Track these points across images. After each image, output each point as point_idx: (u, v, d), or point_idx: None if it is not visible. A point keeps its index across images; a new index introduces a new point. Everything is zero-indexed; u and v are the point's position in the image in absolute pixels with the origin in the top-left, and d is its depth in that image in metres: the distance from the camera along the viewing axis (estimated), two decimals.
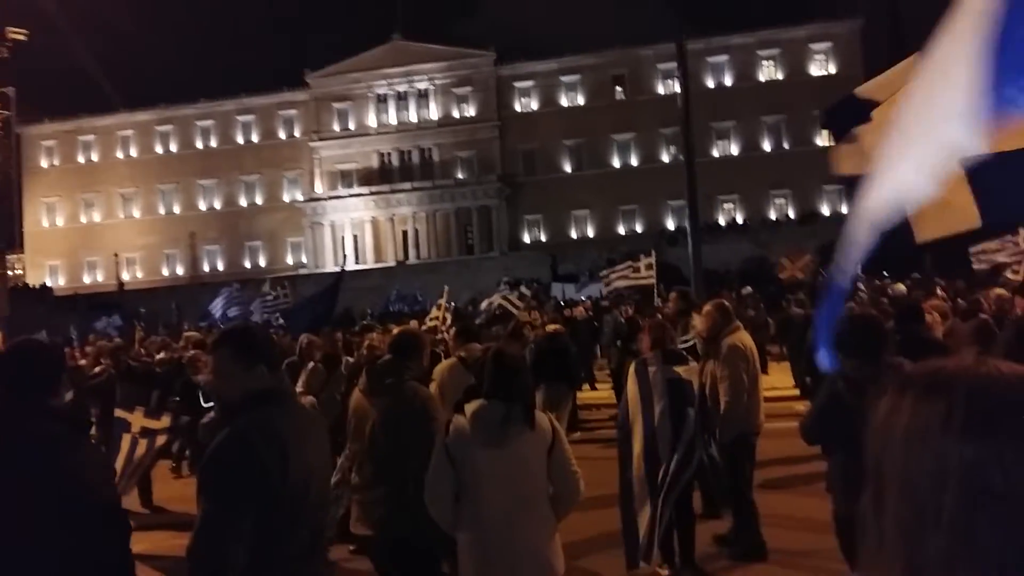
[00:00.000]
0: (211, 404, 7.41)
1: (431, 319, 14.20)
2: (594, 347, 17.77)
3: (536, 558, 3.42)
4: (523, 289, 16.55)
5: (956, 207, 3.81)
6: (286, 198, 67.49)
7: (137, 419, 6.69)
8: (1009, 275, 14.03)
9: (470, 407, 3.46)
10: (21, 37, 26.26)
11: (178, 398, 7.92)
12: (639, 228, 61.29)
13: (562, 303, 22.36)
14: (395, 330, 4.27)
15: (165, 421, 6.98)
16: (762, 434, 6.43)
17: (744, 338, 6.25)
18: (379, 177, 65.45)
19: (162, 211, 69.67)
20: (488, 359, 3.50)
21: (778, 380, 13.88)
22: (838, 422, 3.87)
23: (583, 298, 24.79)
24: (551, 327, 11.67)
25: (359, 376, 5.70)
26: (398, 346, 3.85)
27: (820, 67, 61.14)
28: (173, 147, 69.75)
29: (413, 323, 12.43)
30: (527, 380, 3.67)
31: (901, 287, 16.82)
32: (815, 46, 60.79)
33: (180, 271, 67.72)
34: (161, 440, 6.90)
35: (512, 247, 61.33)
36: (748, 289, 20.81)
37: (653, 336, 5.40)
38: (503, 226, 62.69)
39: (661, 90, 62.42)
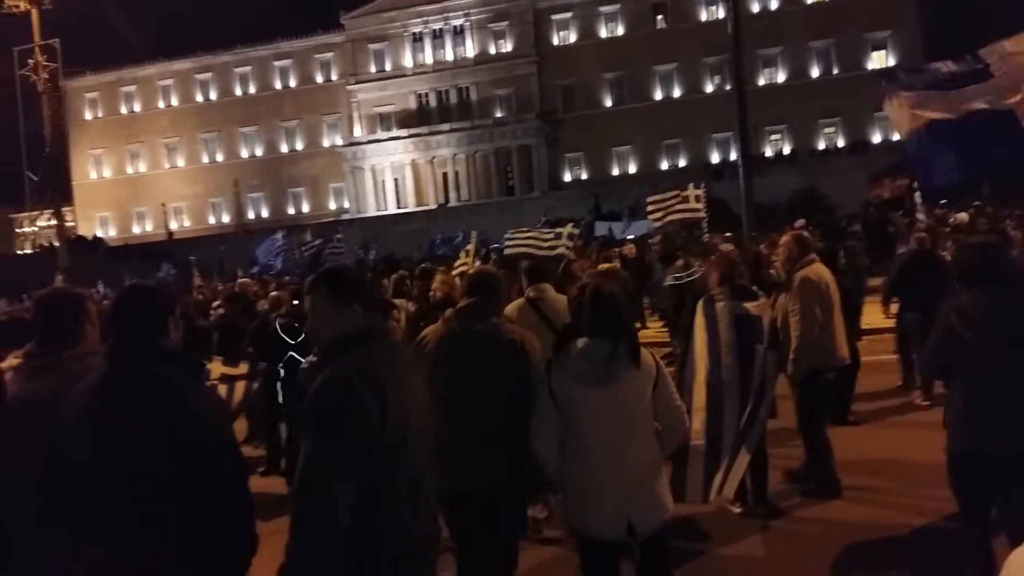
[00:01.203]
0: (289, 348, 7.47)
1: (459, 264, 14.07)
2: (642, 285, 17.54)
3: (647, 494, 3.37)
4: (571, 228, 16.26)
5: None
6: (326, 143, 67.54)
7: (216, 367, 6.76)
8: None
9: (575, 346, 3.37)
10: None
11: (251, 345, 7.97)
12: (683, 163, 60.12)
13: (613, 240, 22.07)
14: (462, 271, 4.16)
15: (243, 368, 7.03)
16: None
17: (820, 270, 6.04)
18: (417, 119, 64.98)
19: (205, 160, 70.36)
20: (587, 297, 3.38)
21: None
22: (956, 355, 3.72)
23: (630, 236, 24.47)
24: (604, 266, 11.50)
25: (426, 320, 5.64)
26: (480, 286, 3.75)
27: None
28: (213, 95, 70.04)
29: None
30: (628, 317, 3.56)
31: (963, 215, 16.22)
32: None
33: (226, 219, 68.66)
34: (241, 387, 6.93)
35: (553, 186, 60.73)
36: (801, 221, 20.27)
37: (721, 271, 5.24)
38: (543, 165, 62.00)
39: (703, 16, 60.43)
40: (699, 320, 5.14)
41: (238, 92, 69.39)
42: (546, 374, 3.42)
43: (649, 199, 18.94)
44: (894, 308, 9.69)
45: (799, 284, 5.89)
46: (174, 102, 70.62)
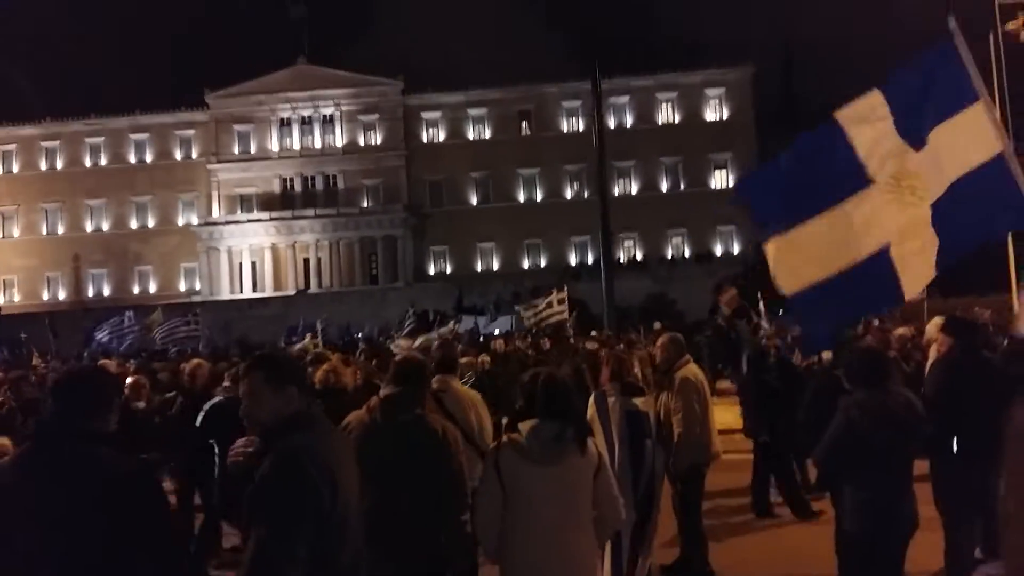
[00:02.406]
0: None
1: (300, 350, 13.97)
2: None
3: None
4: (453, 325, 16.59)
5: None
6: (180, 221, 65.00)
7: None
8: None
9: (524, 425, 3.50)
10: None
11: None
12: (543, 262, 62.32)
13: (479, 336, 22.42)
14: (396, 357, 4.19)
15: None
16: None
17: (695, 370, 6.52)
18: (280, 203, 64.05)
19: (45, 231, 65.70)
20: (540, 382, 3.55)
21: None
22: (854, 449, 4.22)
23: (496, 331, 24.91)
24: (482, 358, 11.75)
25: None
26: (407, 375, 3.82)
27: (715, 111, 64.29)
28: (59, 164, 66.12)
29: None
30: (578, 402, 3.74)
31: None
32: (710, 91, 63.95)
33: (62, 295, 63.85)
34: None
35: (417, 278, 61.08)
36: (658, 324, 21.47)
37: (612, 367, 5.56)
38: (408, 256, 62.41)
39: (565, 127, 64.13)
40: (592, 415, 5.39)
41: (87, 163, 65.94)
42: (494, 452, 3.53)
43: (518, 308, 19.96)
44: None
45: (680, 383, 6.32)
46: (14, 168, 66.04)
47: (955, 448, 4.90)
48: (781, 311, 25.04)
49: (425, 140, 65.36)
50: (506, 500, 3.46)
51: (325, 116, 65.12)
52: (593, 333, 18.18)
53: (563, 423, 3.52)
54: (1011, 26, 18.60)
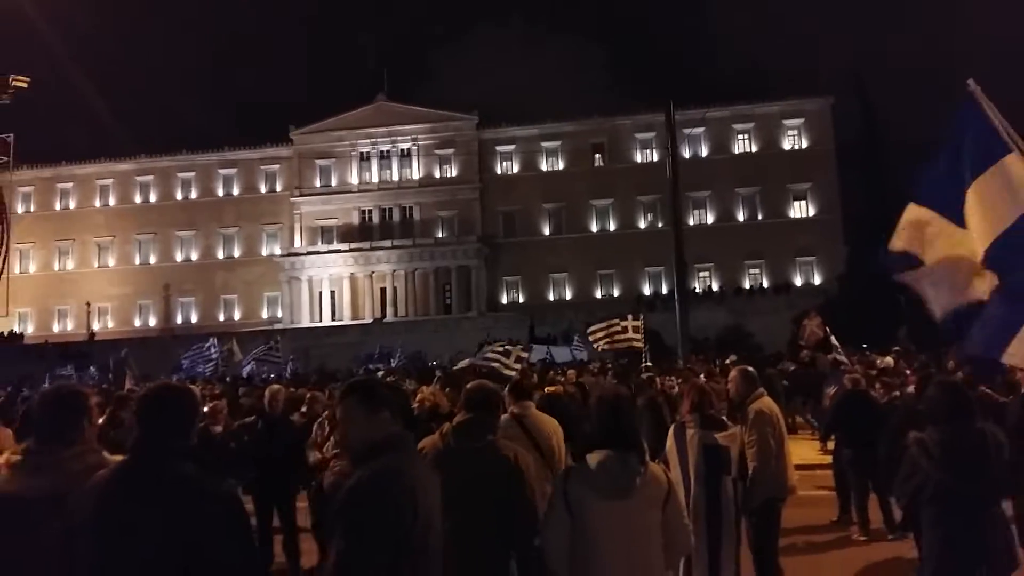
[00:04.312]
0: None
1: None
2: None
3: None
4: (520, 352, 16.57)
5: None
6: (264, 252, 67.35)
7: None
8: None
9: (593, 457, 3.51)
10: (23, 84, 26.43)
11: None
12: (616, 292, 61.94)
13: (554, 365, 22.41)
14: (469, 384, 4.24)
15: None
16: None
17: (770, 403, 6.40)
18: (359, 234, 65.70)
19: (137, 261, 69.05)
20: (606, 407, 3.55)
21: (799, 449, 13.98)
22: (925, 487, 4.15)
23: (572, 360, 24.87)
24: (549, 389, 11.75)
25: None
26: (478, 402, 3.88)
27: (792, 141, 63.13)
28: (153, 197, 69.57)
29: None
30: (639, 424, 3.73)
31: (888, 359, 17.16)
32: (788, 122, 62.90)
33: (152, 322, 66.78)
34: None
35: (490, 308, 61.53)
36: (733, 357, 21.04)
37: (692, 399, 5.50)
38: (482, 286, 62.99)
39: (638, 158, 63.97)
40: (670, 447, 5.35)
41: (179, 196, 69.21)
42: (563, 482, 3.54)
43: (591, 328, 19.52)
44: (830, 445, 10.09)
45: (754, 417, 6.21)
46: (111, 202, 69.81)
47: None
48: (865, 346, 24.20)
49: (499, 172, 66.23)
50: (574, 528, 3.46)
51: (403, 150, 66.78)
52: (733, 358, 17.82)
53: (630, 454, 3.49)
54: None
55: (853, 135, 60.13)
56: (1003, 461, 4.10)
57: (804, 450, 14.13)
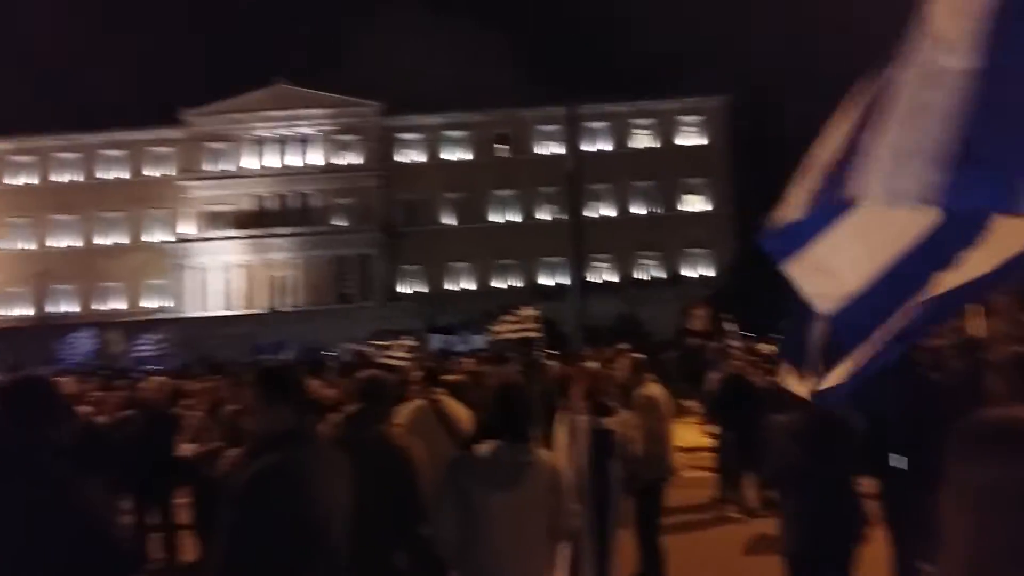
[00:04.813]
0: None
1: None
2: None
3: None
4: (411, 342, 16.50)
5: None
6: (151, 238, 64.36)
7: None
8: None
9: (483, 447, 3.54)
10: None
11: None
12: (515, 282, 62.51)
13: (453, 354, 22.43)
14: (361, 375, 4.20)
15: None
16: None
17: (656, 389, 6.66)
18: (254, 220, 63.70)
19: (9, 246, 64.70)
20: (497, 397, 3.59)
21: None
22: (780, 468, 4.34)
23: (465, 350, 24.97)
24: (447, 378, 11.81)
25: None
26: (369, 393, 3.88)
27: (690, 138, 65.22)
28: (29, 179, 65.28)
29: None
30: (533, 417, 3.80)
31: (769, 346, 17.99)
32: (686, 118, 64.89)
33: (27, 311, 62.76)
34: None
35: (390, 297, 60.95)
36: (625, 345, 21.56)
37: (583, 385, 5.65)
38: (381, 276, 62.29)
39: (541, 151, 64.65)
40: (560, 431, 5.50)
41: (58, 178, 65.20)
42: (452, 472, 3.57)
43: (491, 319, 19.71)
44: (714, 428, 10.58)
45: (641, 402, 6.46)
46: None
47: (898, 465, 5.03)
48: (750, 334, 25.28)
49: (402, 161, 65.55)
50: (462, 518, 3.49)
51: (302, 136, 65.09)
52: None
53: (518, 440, 3.55)
54: None
55: (749, 133, 62.74)
56: (856, 443, 4.43)
57: (690, 433, 14.75)
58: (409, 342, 17.37)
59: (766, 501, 8.98)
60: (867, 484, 4.87)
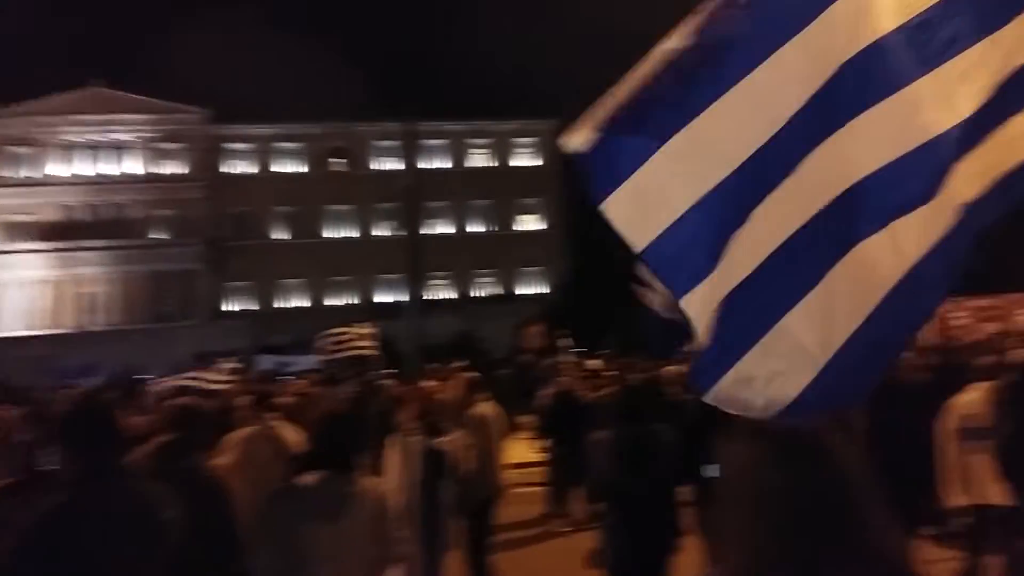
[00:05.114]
0: None
1: None
2: None
3: None
4: (234, 364, 15.77)
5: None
6: None
7: None
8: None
9: (306, 478, 3.39)
10: None
11: None
12: (351, 300, 61.28)
13: (283, 375, 21.56)
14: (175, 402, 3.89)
15: None
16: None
17: (488, 407, 6.71)
18: (62, 232, 58.40)
19: None
20: (322, 426, 3.46)
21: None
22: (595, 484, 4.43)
23: (297, 370, 24.13)
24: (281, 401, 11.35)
25: None
26: (182, 421, 3.63)
27: (525, 159, 66.94)
28: None
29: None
30: (360, 444, 3.69)
31: (598, 362, 18.74)
32: (521, 140, 66.58)
33: None
34: None
35: (214, 316, 57.82)
36: (461, 363, 21.74)
37: (415, 406, 5.61)
38: (205, 293, 58.98)
39: (378, 166, 64.00)
40: (392, 453, 5.40)
41: None
42: (271, 504, 3.41)
43: (324, 337, 19.13)
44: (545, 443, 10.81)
45: (472, 421, 6.48)
46: None
47: (713, 475, 5.34)
48: (580, 349, 26.21)
49: (230, 172, 62.58)
50: (282, 551, 3.35)
51: (118, 142, 60.61)
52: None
53: (342, 471, 3.47)
54: None
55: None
56: (670, 456, 4.67)
57: (522, 449, 15.02)
58: (230, 364, 16.58)
59: (594, 515, 9.28)
60: (685, 494, 5.13)
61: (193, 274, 59.00)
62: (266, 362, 29.40)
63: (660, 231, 2.59)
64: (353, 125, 63.19)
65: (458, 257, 61.34)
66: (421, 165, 61.41)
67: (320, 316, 55.54)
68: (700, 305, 2.50)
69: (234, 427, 8.09)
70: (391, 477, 5.34)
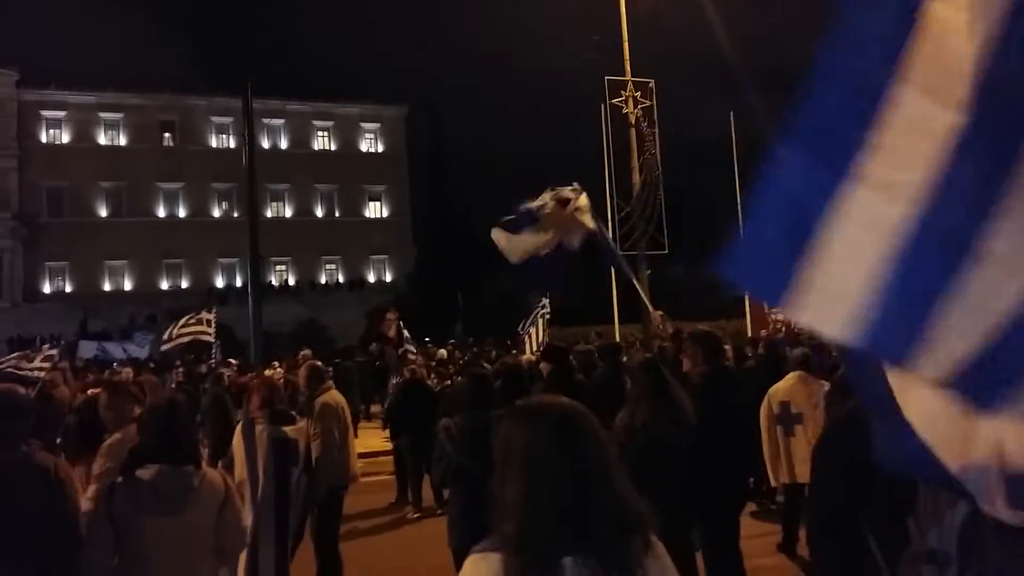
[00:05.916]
0: None
1: None
2: None
3: None
4: (47, 350, 14.64)
5: None
6: None
7: None
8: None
9: (144, 472, 3.25)
10: None
11: None
12: (185, 284, 58.01)
13: (108, 362, 20.21)
14: None
15: None
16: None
17: (335, 396, 6.67)
18: None
19: None
20: (158, 417, 3.31)
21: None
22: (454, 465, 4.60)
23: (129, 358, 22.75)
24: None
25: None
26: (3, 411, 3.36)
27: (369, 144, 65.83)
28: None
29: None
30: (194, 433, 3.57)
31: (443, 351, 18.91)
32: (366, 125, 65.38)
33: None
34: None
35: (29, 298, 52.92)
36: (307, 351, 21.29)
37: (262, 395, 5.47)
38: (18, 272, 53.79)
39: (214, 143, 60.80)
40: (238, 442, 5.25)
41: None
42: (108, 499, 3.26)
43: (161, 323, 18.25)
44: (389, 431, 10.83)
45: (320, 409, 6.41)
46: None
47: None
48: (427, 339, 26.30)
49: (44, 141, 57.26)
50: (120, 545, 3.25)
51: None
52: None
53: (182, 463, 3.39)
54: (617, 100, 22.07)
55: (424, 144, 65.06)
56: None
57: (372, 438, 14.94)
58: (49, 350, 15.37)
59: (442, 501, 9.40)
60: None
61: (3, 252, 53.58)
62: (88, 348, 27.24)
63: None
64: (184, 97, 59.45)
65: (301, 242, 59.50)
66: (263, 144, 58.97)
67: (150, 300, 52.35)
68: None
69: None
70: (238, 466, 5.21)
